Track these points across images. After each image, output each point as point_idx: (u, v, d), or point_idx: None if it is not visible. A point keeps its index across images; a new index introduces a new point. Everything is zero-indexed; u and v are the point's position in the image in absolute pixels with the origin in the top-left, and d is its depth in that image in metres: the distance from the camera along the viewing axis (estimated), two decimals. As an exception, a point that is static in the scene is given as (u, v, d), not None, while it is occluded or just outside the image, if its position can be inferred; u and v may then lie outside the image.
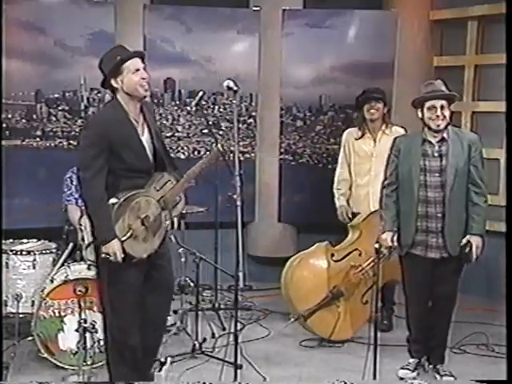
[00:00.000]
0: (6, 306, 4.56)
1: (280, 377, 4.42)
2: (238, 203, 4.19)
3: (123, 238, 3.58)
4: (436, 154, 4.19)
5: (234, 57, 6.26)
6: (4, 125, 5.74)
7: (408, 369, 4.41)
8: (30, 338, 4.40)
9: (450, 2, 6.27)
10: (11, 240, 4.85)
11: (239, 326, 4.59)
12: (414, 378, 4.36)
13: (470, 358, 4.74)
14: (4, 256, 4.59)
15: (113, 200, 3.58)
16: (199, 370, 4.44)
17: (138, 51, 3.75)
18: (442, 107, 4.11)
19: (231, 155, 4.97)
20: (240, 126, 6.13)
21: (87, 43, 5.84)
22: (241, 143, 6.12)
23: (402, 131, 5.22)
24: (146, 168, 3.71)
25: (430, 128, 4.17)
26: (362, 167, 5.31)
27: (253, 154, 6.38)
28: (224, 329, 5.15)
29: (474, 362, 4.68)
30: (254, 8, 6.27)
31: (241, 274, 4.54)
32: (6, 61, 5.54)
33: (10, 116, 5.76)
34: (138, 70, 3.63)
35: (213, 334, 5.02)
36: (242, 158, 5.84)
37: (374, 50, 6.28)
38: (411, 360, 4.45)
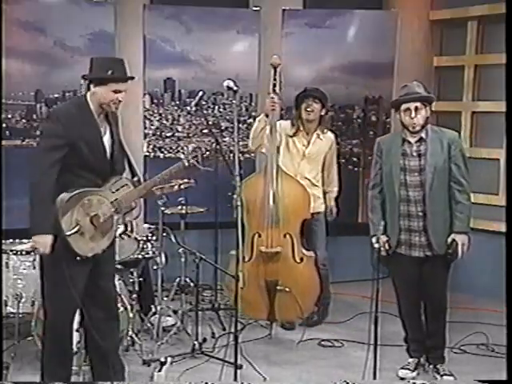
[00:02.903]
0: (6, 305, 4.56)
1: (280, 377, 4.43)
2: (238, 203, 4.19)
3: (69, 232, 3.56)
4: (415, 154, 4.24)
5: (234, 57, 6.26)
6: (4, 125, 5.75)
7: (408, 369, 4.41)
8: (29, 338, 4.40)
9: (450, 2, 6.27)
10: (11, 240, 4.85)
11: (239, 326, 4.59)
12: (414, 378, 4.36)
13: (470, 358, 4.74)
14: (4, 256, 4.59)
15: (63, 194, 3.57)
16: (199, 370, 4.43)
17: (130, 77, 3.75)
18: (416, 109, 4.16)
19: (231, 155, 4.96)
20: (240, 125, 6.13)
21: (87, 43, 5.84)
22: (241, 143, 6.12)
23: (332, 137, 5.26)
24: (103, 169, 3.72)
25: (407, 129, 4.23)
26: (290, 164, 5.19)
27: (253, 154, 6.37)
28: (224, 329, 5.15)
29: (474, 362, 4.68)
30: (254, 8, 6.27)
31: (241, 274, 4.55)
32: (5, 61, 5.54)
33: (9, 116, 5.76)
34: (119, 91, 3.67)
35: (213, 333, 5.02)
36: (241, 158, 5.86)
37: (374, 50, 6.29)
38: (410, 360, 4.45)
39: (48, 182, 3.56)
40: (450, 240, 4.19)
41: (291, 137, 5.24)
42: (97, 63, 3.72)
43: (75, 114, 3.66)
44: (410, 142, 4.24)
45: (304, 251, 5.00)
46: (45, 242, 3.55)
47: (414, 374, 4.40)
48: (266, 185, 4.93)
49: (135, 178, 3.88)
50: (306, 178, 5.19)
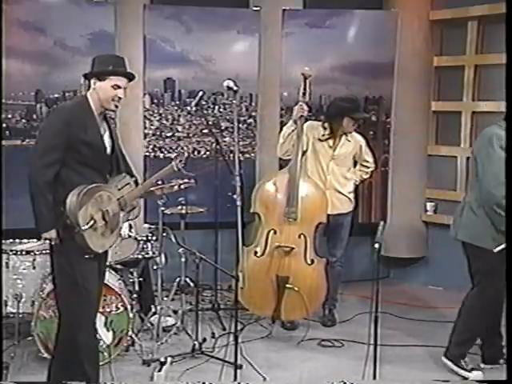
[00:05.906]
0: (6, 305, 4.56)
1: (280, 377, 4.43)
2: (238, 203, 4.19)
3: (85, 227, 3.56)
4: None
5: (234, 57, 6.25)
6: (4, 125, 5.75)
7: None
8: (29, 338, 4.41)
9: (450, 2, 6.27)
10: (11, 240, 4.85)
11: (239, 326, 4.59)
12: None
13: (470, 358, 4.73)
14: (4, 256, 4.59)
15: (76, 190, 3.56)
16: (199, 370, 4.43)
17: (131, 73, 3.79)
18: None
19: (231, 155, 4.97)
20: (240, 125, 6.13)
21: (87, 43, 5.83)
22: (241, 143, 6.12)
23: (360, 138, 5.32)
24: (103, 167, 3.74)
25: None
26: (319, 167, 5.26)
27: (253, 154, 6.38)
28: (224, 329, 5.15)
29: (474, 361, 4.67)
30: (254, 8, 6.27)
31: (241, 274, 4.55)
32: (6, 61, 5.54)
33: (10, 116, 5.77)
34: (119, 87, 3.70)
35: (213, 333, 5.02)
36: (242, 158, 5.87)
37: (374, 50, 6.29)
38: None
39: (48, 181, 3.57)
40: None
41: (321, 140, 5.27)
42: (99, 60, 3.77)
43: (76, 112, 3.67)
44: None
45: (314, 255, 5.03)
46: (52, 236, 3.61)
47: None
48: (287, 184, 5.03)
49: (133, 179, 3.93)
50: (334, 180, 5.25)
